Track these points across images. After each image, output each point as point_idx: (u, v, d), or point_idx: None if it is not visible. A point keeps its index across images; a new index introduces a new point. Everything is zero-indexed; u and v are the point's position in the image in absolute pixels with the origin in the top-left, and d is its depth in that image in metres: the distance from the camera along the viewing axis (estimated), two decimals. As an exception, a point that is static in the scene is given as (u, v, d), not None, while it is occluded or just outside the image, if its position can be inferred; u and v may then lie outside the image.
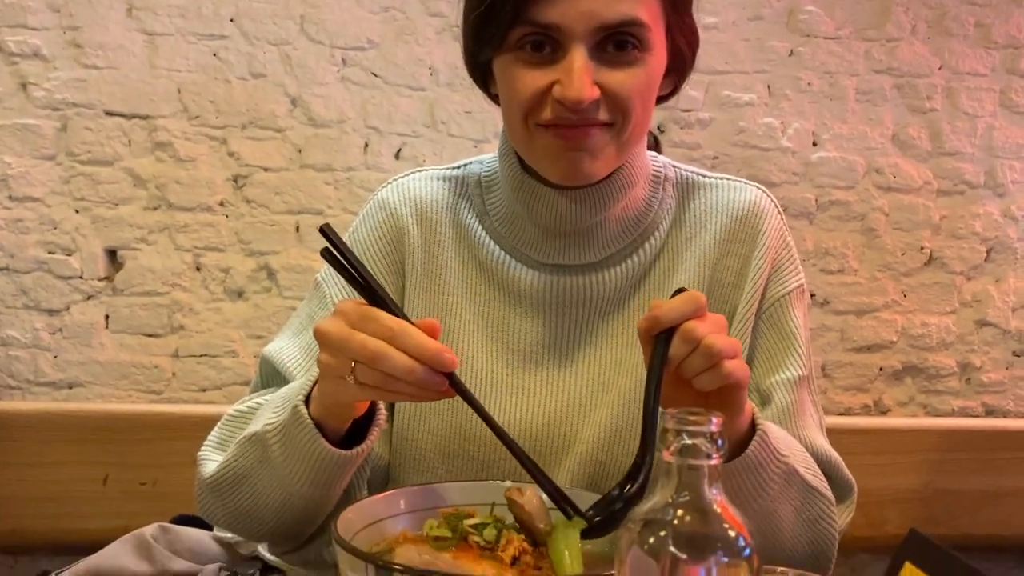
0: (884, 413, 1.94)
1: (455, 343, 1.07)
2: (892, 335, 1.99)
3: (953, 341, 2.01)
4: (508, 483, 0.94)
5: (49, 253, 1.85)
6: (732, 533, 0.54)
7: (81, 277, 1.85)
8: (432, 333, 0.82)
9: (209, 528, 1.33)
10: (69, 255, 1.85)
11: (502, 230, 1.09)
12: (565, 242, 1.06)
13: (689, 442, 0.54)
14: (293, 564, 1.17)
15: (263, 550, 1.24)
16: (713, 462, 0.54)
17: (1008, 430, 1.84)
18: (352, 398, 0.88)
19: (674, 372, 0.84)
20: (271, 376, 1.10)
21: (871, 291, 2.00)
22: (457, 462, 1.05)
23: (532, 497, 0.83)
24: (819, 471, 0.99)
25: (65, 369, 1.80)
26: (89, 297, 1.85)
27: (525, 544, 0.78)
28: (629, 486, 0.81)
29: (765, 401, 1.06)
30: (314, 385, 0.91)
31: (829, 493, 0.98)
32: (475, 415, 1.03)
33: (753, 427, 0.91)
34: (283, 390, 1.00)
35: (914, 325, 2.00)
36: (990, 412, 1.97)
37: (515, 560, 0.76)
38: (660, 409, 0.82)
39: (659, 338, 0.83)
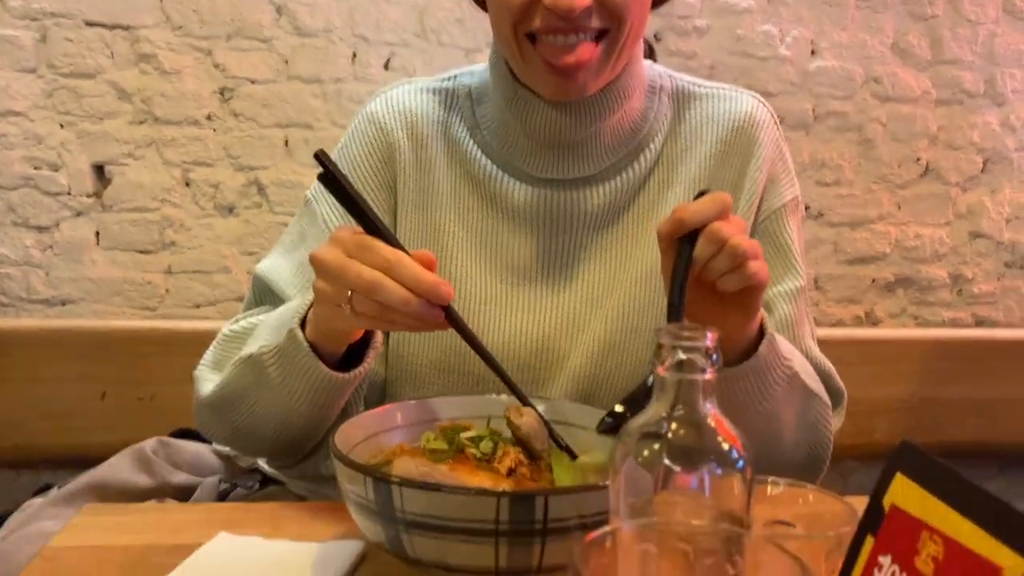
0: (875, 324, 1.96)
1: (447, 261, 1.07)
2: (886, 247, 1.99)
3: (946, 253, 2.01)
4: (504, 397, 0.95)
5: (35, 169, 1.82)
6: (726, 446, 0.55)
7: (69, 193, 1.83)
8: (428, 265, 0.82)
9: (208, 442, 1.35)
10: (56, 171, 1.82)
11: (494, 144, 1.08)
12: (558, 155, 1.05)
13: (684, 357, 0.54)
14: (291, 478, 1.19)
15: (262, 463, 1.26)
16: (707, 376, 0.54)
17: (997, 340, 1.86)
18: (347, 326, 0.88)
19: (696, 275, 0.84)
20: (264, 294, 1.10)
21: (866, 203, 1.99)
22: (453, 377, 1.06)
23: (530, 418, 0.83)
24: (818, 377, 1.01)
25: (57, 286, 1.80)
26: (79, 214, 1.84)
27: (521, 456, 0.79)
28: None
29: (767, 311, 1.07)
30: (310, 308, 0.91)
31: (827, 398, 1.01)
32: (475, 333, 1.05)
33: (761, 331, 0.92)
34: (278, 312, 1.00)
35: (908, 237, 2.00)
36: (980, 323, 1.98)
37: (511, 472, 0.77)
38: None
39: (683, 240, 0.83)
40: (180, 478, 1.28)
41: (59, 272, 1.81)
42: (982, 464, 1.94)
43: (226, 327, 1.08)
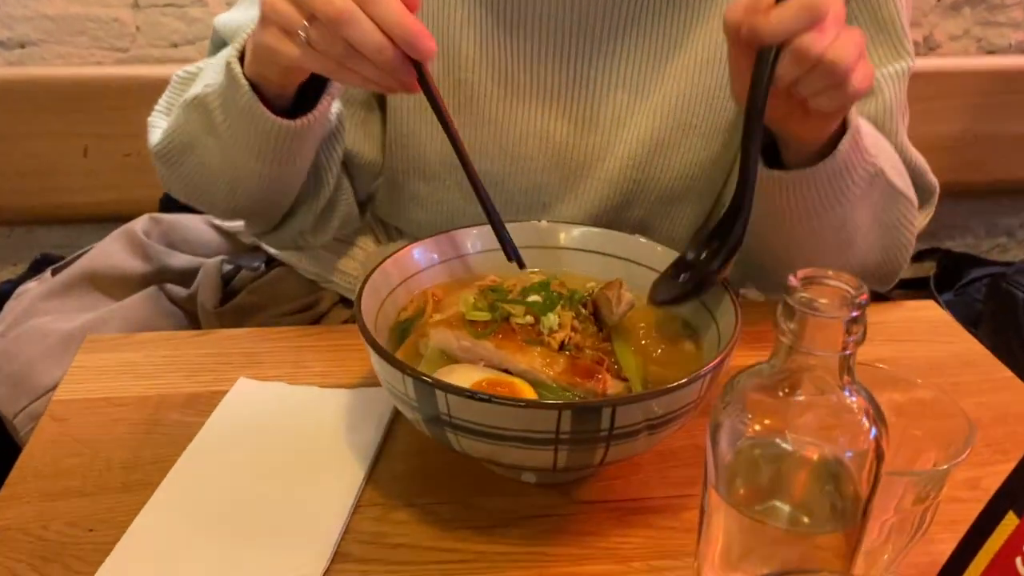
0: (933, 49, 1.76)
1: (450, 29, 0.88)
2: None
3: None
4: (544, 223, 0.83)
5: None
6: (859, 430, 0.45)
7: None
8: (410, 6, 0.65)
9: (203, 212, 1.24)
10: None
11: None
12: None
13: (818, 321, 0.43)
14: (274, 247, 1.10)
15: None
16: (848, 352, 0.43)
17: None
18: (291, 61, 0.70)
19: (780, 89, 0.68)
20: (221, 48, 0.94)
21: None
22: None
23: (624, 296, 0.71)
24: (905, 171, 0.89)
25: (11, 26, 1.56)
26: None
27: (575, 322, 0.69)
28: (718, 243, 0.71)
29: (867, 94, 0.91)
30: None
31: (913, 195, 0.88)
32: (485, 125, 0.89)
33: (843, 123, 0.77)
34: (224, 50, 0.85)
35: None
36: (1050, 45, 1.78)
37: (563, 346, 0.67)
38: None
39: (764, 49, 0.66)
40: (179, 260, 1.20)
41: (10, 9, 1.55)
42: (1021, 197, 1.86)
43: (179, 70, 0.94)
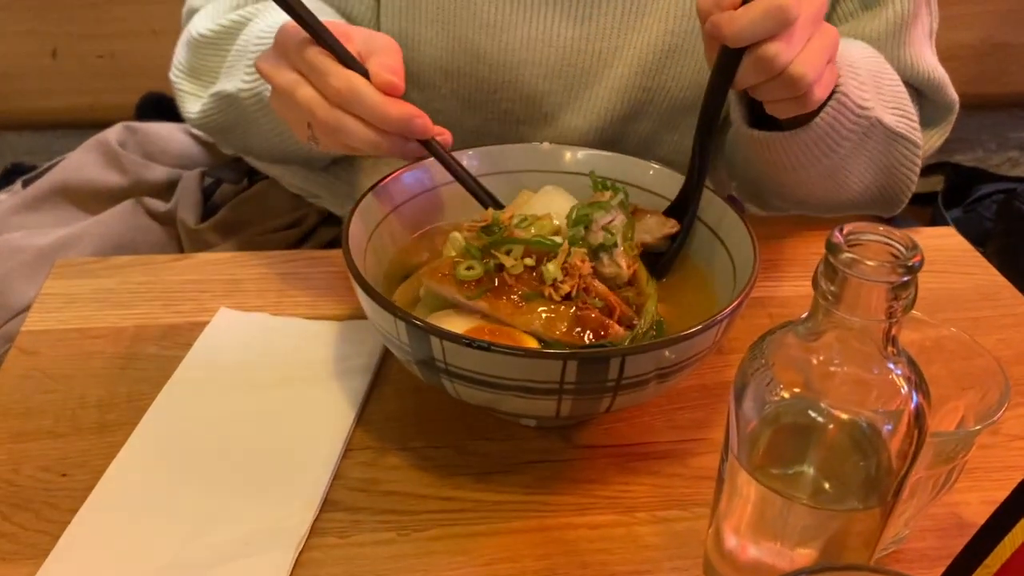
0: (955, -49, 1.66)
1: None
2: None
3: None
4: (546, 145, 0.77)
5: None
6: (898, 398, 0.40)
7: None
8: (392, 89, 0.62)
9: (182, 120, 1.16)
10: None
11: None
12: None
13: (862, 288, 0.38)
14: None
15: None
16: (895, 320, 0.38)
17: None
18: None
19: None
20: None
21: None
22: (462, 81, 0.86)
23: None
24: (909, 107, 0.81)
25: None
26: None
27: (581, 263, 0.62)
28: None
29: (869, 4, 0.84)
30: None
31: (916, 135, 0.81)
32: (483, 29, 0.83)
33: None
34: (255, 32, 0.78)
35: None
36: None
37: (568, 296, 0.61)
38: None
39: (725, 48, 0.61)
40: (156, 173, 1.14)
41: None
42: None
43: (195, 27, 0.85)
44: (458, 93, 0.88)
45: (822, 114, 0.70)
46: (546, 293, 0.60)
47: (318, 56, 0.62)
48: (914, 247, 0.38)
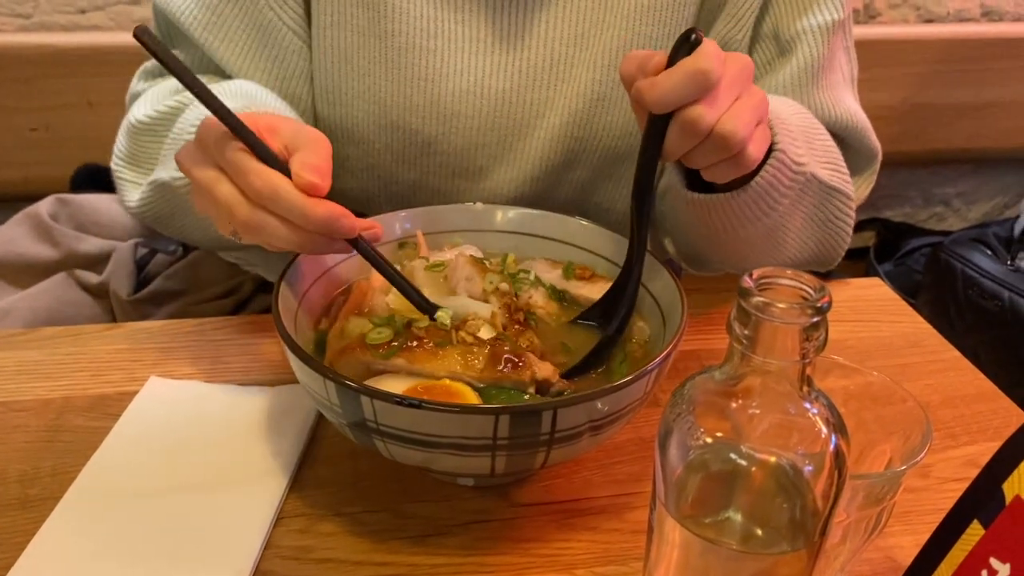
0: (873, 18, 1.74)
1: None
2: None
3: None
4: (479, 205, 0.78)
5: None
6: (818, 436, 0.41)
7: None
8: (314, 192, 0.59)
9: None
10: None
11: None
12: None
13: (774, 333, 0.39)
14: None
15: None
16: (808, 361, 0.39)
17: (1003, 37, 1.67)
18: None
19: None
20: (170, 31, 0.86)
21: None
22: (396, 136, 0.87)
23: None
24: (840, 160, 0.83)
25: None
26: None
27: (499, 316, 0.63)
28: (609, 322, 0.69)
29: (785, 51, 0.86)
30: None
31: (849, 187, 0.83)
32: (414, 82, 0.84)
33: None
34: (189, 119, 0.77)
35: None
36: (987, 14, 1.77)
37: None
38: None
39: (652, 115, 0.62)
40: (89, 244, 1.12)
41: None
42: (955, 169, 1.87)
43: (134, 114, 0.83)
44: (392, 148, 0.88)
45: (762, 173, 0.70)
46: (458, 337, 0.60)
47: (237, 153, 0.59)
48: (822, 289, 0.39)
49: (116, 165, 0.85)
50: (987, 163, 1.86)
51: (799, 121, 0.79)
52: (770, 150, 0.70)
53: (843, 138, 0.88)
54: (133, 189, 0.83)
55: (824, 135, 0.82)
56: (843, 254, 0.88)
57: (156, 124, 0.81)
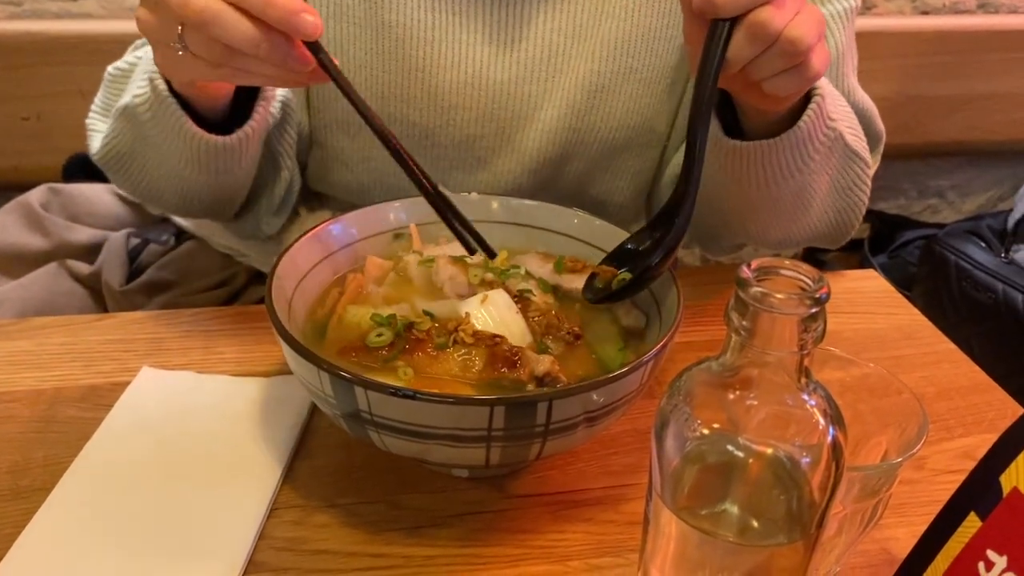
0: (869, 9, 1.73)
1: None
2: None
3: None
4: (475, 195, 0.78)
5: None
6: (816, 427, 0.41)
7: None
8: None
9: (108, 180, 1.15)
10: None
11: None
12: None
13: (774, 323, 0.39)
14: (237, 236, 1.02)
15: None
16: (806, 352, 0.39)
17: (998, 29, 1.67)
18: (189, 75, 0.66)
19: (733, 72, 0.63)
20: None
21: None
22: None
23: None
24: (860, 128, 0.84)
25: None
26: None
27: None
28: (662, 231, 0.65)
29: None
30: None
31: (867, 154, 0.84)
32: (412, 73, 0.84)
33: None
34: (149, 56, 0.77)
35: None
36: (983, 6, 1.77)
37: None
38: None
39: (716, 23, 0.60)
40: (81, 235, 1.11)
41: None
42: (949, 161, 1.86)
43: (112, 65, 0.86)
44: None
45: (804, 116, 0.71)
46: (457, 338, 0.60)
47: None
48: (820, 279, 0.39)
49: (90, 119, 0.86)
50: (981, 155, 1.86)
51: (830, 90, 0.79)
52: (810, 95, 0.71)
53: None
54: (98, 138, 0.84)
55: (845, 104, 0.84)
56: (857, 225, 0.90)
57: (130, 69, 0.82)
